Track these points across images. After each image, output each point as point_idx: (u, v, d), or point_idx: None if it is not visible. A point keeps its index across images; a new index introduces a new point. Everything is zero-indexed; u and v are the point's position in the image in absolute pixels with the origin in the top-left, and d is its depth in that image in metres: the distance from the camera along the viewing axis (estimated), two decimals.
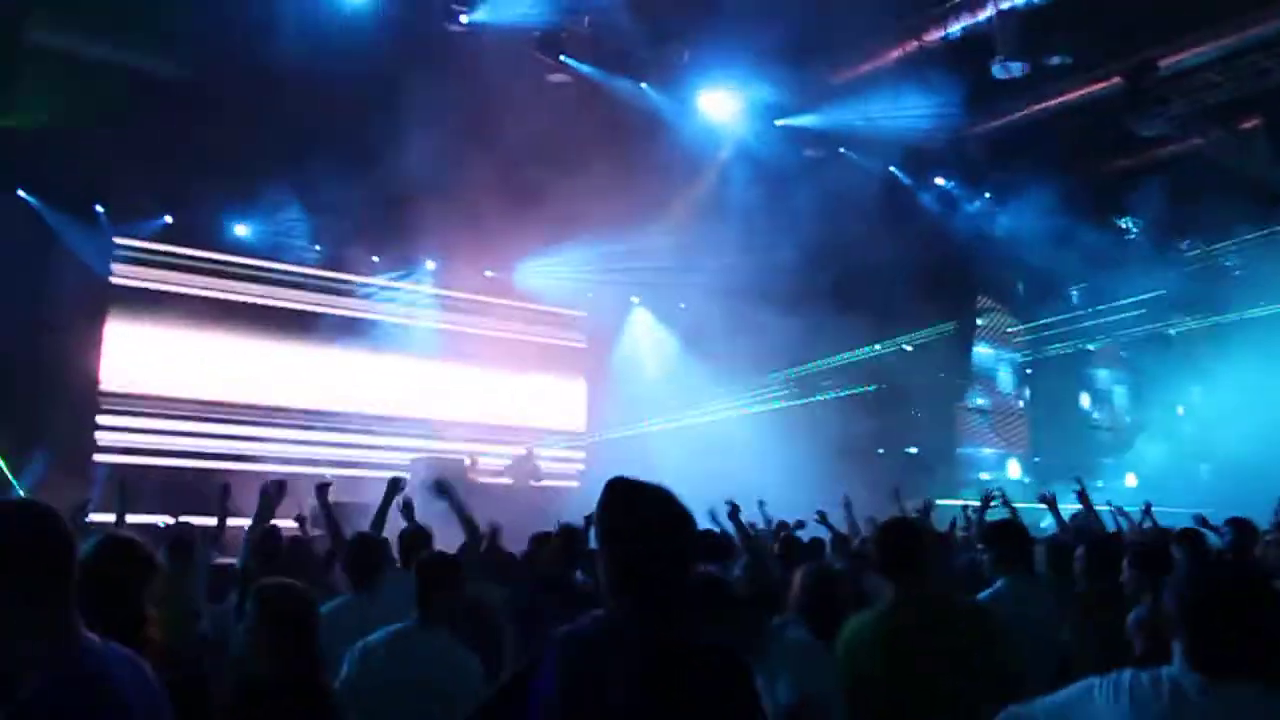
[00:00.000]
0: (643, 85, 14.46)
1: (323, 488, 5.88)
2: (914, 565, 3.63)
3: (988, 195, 18.68)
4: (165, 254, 14.21)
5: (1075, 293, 21.22)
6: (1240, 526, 6.26)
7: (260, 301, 15.07)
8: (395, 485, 5.98)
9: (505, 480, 15.07)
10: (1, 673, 2.09)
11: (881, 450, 18.84)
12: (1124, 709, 2.25)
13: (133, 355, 13.94)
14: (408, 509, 6.09)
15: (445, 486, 5.91)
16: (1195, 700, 2.20)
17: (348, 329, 15.65)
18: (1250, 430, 15.22)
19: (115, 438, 13.38)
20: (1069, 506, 7.60)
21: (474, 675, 3.86)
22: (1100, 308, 20.28)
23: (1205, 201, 16.32)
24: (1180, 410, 21.27)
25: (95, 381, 13.58)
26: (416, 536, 5.47)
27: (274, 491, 5.98)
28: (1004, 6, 12.66)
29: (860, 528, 7.97)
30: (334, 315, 15.65)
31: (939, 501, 5.75)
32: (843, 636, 3.64)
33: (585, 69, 13.76)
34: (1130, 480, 19.57)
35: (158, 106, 11.83)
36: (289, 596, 3.27)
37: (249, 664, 3.29)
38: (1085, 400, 23.67)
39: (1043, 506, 7.48)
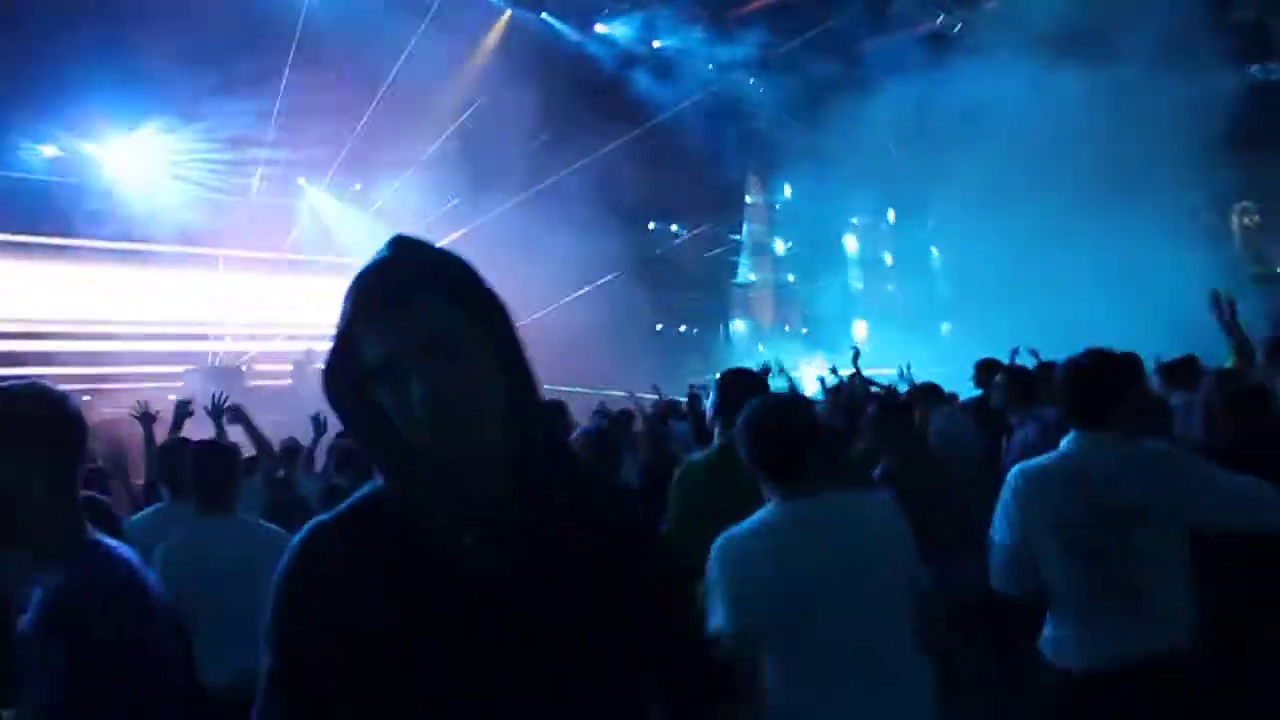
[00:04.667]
0: None
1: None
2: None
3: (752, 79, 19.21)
4: None
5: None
6: None
7: None
8: (184, 410, 5.69)
9: (284, 383, 14.63)
10: (19, 569, 1.91)
11: (660, 327, 19.47)
12: None
13: None
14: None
15: (226, 410, 5.61)
16: None
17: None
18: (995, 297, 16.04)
19: None
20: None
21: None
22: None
23: None
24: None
25: None
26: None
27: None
28: None
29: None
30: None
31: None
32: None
33: None
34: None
35: None
36: None
37: None
38: (852, 274, 24.71)
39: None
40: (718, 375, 3.96)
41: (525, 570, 1.41)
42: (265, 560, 1.89)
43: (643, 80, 18.00)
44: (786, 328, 23.87)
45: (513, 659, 1.38)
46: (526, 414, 1.46)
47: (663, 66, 18.13)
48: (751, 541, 2.70)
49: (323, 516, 1.48)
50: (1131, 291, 12.74)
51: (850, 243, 24.37)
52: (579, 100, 16.47)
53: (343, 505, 1.49)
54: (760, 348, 21.44)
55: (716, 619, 2.60)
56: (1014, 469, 3.20)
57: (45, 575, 1.85)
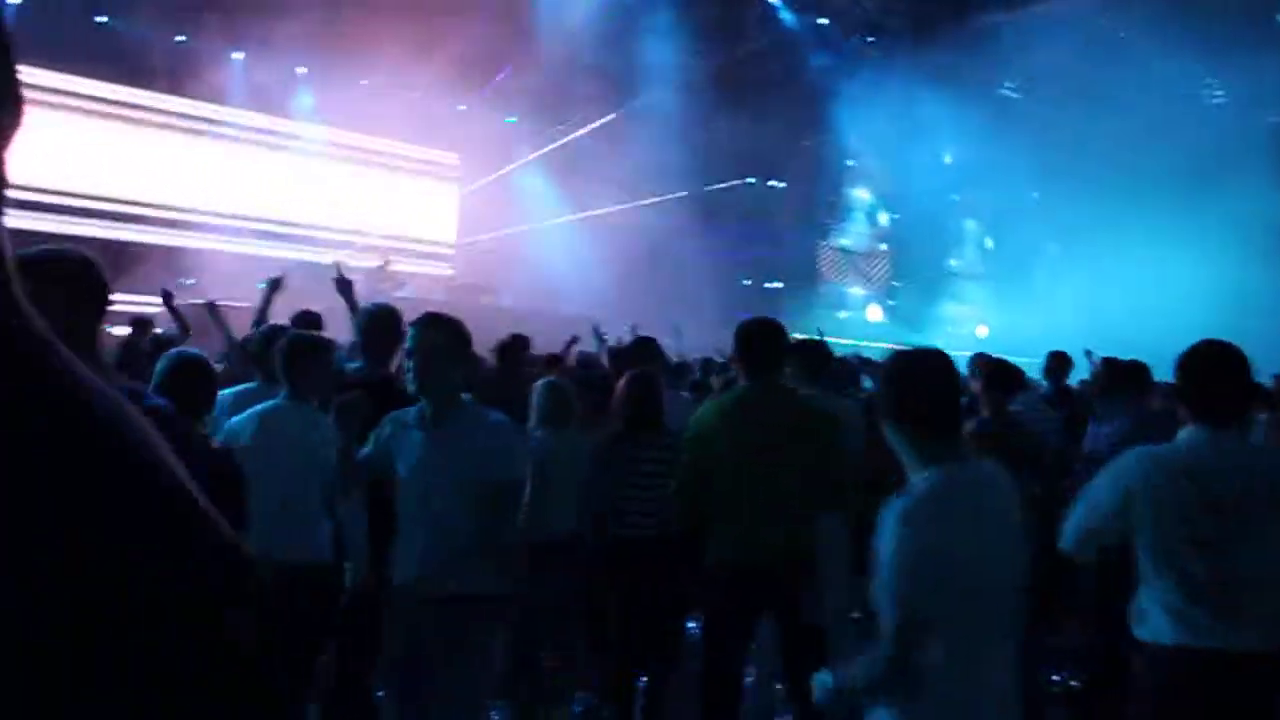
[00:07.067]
0: None
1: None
2: (768, 361, 4.02)
3: (870, 39, 18.93)
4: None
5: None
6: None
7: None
8: (276, 284, 5.96)
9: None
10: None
11: (748, 281, 19.45)
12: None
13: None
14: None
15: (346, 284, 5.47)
16: None
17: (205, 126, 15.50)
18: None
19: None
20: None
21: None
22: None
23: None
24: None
25: None
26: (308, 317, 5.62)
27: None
28: None
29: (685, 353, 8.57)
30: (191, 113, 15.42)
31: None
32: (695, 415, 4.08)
33: None
34: (981, 331, 20.44)
35: None
36: None
37: None
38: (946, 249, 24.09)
39: None
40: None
41: None
42: None
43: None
44: (876, 299, 23.50)
45: None
46: None
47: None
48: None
49: None
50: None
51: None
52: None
53: None
54: (841, 314, 21.22)
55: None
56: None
57: None
